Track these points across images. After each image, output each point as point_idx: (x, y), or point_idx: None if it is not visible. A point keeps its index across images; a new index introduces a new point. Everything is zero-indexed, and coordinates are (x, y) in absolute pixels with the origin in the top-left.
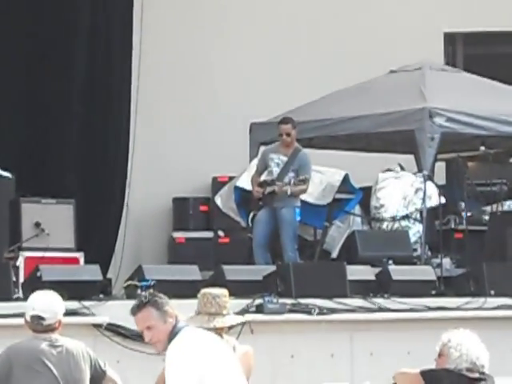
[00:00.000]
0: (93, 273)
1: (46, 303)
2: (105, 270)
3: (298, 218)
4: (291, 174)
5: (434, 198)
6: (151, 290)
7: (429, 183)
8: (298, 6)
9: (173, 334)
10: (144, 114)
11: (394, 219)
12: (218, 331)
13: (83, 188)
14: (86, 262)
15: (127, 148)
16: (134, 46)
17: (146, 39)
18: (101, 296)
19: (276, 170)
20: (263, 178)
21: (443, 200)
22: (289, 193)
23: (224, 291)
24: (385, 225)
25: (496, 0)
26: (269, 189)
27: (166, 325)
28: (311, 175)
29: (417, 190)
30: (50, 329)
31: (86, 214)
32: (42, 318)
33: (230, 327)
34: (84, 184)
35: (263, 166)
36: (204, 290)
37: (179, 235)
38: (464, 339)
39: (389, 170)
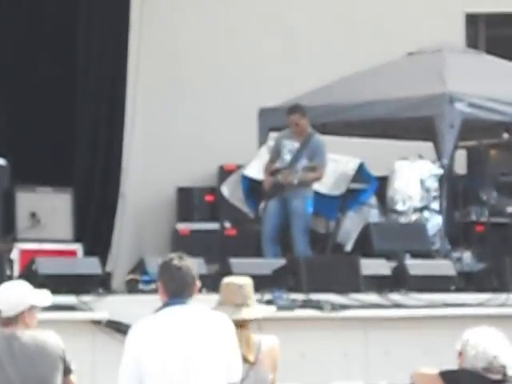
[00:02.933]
0: (92, 266)
1: (4, 294)
2: (102, 263)
3: (311, 210)
4: (304, 161)
5: None
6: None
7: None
8: None
9: (156, 310)
10: (144, 97)
11: (412, 210)
12: (245, 323)
13: (80, 176)
14: (85, 254)
15: (122, 132)
16: (134, 24)
17: (147, 19)
18: (100, 291)
19: (288, 157)
20: (276, 166)
21: None
22: (295, 182)
23: (249, 280)
24: (402, 216)
25: None
26: (279, 177)
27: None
28: (326, 162)
29: (435, 179)
30: (11, 323)
31: (83, 204)
32: None
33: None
34: (81, 171)
35: (276, 154)
36: (228, 279)
37: (183, 227)
38: (483, 337)
39: (406, 158)
